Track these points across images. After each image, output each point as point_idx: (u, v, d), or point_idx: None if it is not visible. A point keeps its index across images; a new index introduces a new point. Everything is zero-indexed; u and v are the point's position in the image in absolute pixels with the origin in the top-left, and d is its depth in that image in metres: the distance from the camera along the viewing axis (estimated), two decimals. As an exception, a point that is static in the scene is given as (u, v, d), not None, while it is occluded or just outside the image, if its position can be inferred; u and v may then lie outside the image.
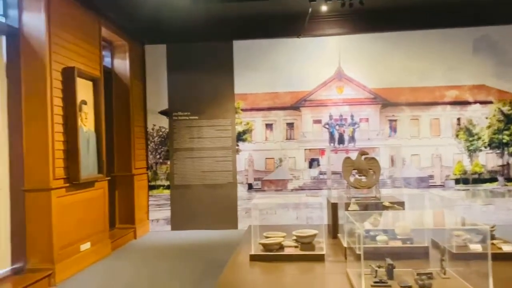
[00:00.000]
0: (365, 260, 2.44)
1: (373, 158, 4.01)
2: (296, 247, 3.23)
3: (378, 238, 3.13)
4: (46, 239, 4.11)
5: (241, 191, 6.65)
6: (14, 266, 4.08)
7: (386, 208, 3.42)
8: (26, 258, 4.10)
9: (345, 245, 3.14)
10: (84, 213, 4.74)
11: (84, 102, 4.76)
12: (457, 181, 6.47)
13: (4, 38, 4.12)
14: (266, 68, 6.65)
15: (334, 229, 3.69)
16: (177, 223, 6.67)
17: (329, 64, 6.60)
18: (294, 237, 3.30)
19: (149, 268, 4.67)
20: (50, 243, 4.11)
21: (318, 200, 3.87)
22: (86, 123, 4.80)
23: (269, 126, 6.74)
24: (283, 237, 3.38)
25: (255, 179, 6.68)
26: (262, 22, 6.31)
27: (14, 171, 4.13)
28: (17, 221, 4.11)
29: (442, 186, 6.47)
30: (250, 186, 6.67)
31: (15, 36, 4.12)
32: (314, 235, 3.24)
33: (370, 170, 3.96)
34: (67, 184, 4.40)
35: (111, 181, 6.04)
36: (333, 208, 3.68)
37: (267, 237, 3.38)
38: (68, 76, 4.44)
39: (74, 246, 4.51)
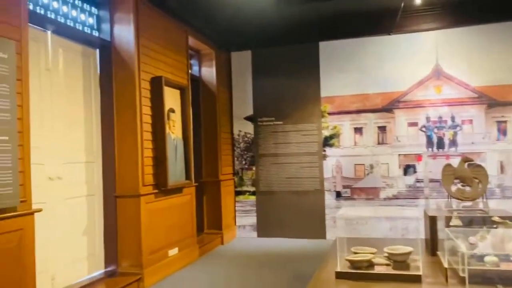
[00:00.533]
0: (471, 284, 2.08)
1: (479, 165, 3.52)
2: (388, 265, 2.90)
3: (486, 259, 2.69)
4: (136, 244, 4.24)
5: (329, 199, 6.36)
6: (107, 269, 4.27)
7: (495, 223, 2.94)
8: (118, 261, 4.26)
9: (445, 265, 2.74)
10: (172, 219, 4.83)
11: (172, 110, 4.86)
12: None
13: (97, 51, 4.35)
14: (354, 68, 6.30)
15: (432, 246, 3.28)
16: (263, 229, 6.58)
17: (425, 62, 6.05)
18: (386, 254, 2.98)
19: (235, 275, 4.61)
20: (139, 248, 4.23)
21: (414, 214, 3.48)
22: (174, 131, 4.90)
23: (358, 130, 6.37)
24: (373, 253, 3.07)
25: (344, 187, 6.35)
26: (349, 21, 5.98)
27: (107, 177, 4.32)
28: (110, 226, 4.29)
29: None
30: (338, 194, 6.36)
31: (107, 49, 4.33)
32: (409, 253, 2.88)
33: (475, 179, 3.48)
34: (156, 191, 4.51)
35: (200, 186, 6.14)
36: (432, 221, 3.27)
37: (355, 253, 3.09)
38: (156, 85, 4.56)
39: (162, 252, 4.60)
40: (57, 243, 3.70)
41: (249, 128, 6.73)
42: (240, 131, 6.78)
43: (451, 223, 2.98)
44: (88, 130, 4.19)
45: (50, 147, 3.66)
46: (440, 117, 6.03)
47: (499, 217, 2.97)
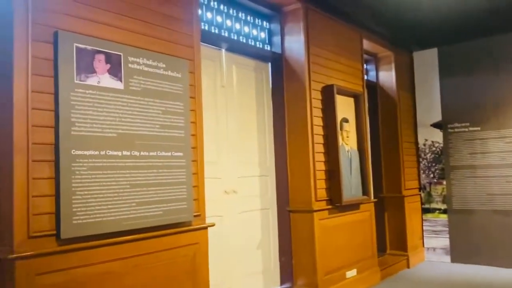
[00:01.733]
0: None
1: None
2: None
3: None
4: (310, 263, 4.02)
5: (548, 221, 5.06)
6: (283, 286, 4.16)
7: None
8: (293, 279, 4.11)
9: None
10: (349, 238, 4.47)
11: (345, 120, 4.54)
12: None
13: (269, 65, 4.34)
14: None
15: None
16: (458, 254, 5.63)
17: None
18: None
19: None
20: (314, 267, 4.00)
21: None
22: (348, 142, 4.56)
23: None
24: None
25: None
26: None
27: (280, 191, 4.24)
28: (284, 241, 4.19)
29: None
30: (562, 216, 5.00)
31: (278, 62, 4.29)
32: None
33: None
34: (330, 206, 4.23)
35: (379, 203, 5.64)
36: None
37: None
38: (328, 94, 4.31)
39: (339, 273, 4.28)
40: (233, 256, 3.75)
41: (437, 136, 5.90)
42: (426, 140, 6.00)
43: None
44: (261, 144, 4.19)
45: (226, 161, 3.75)
46: None
47: None
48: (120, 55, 2.50)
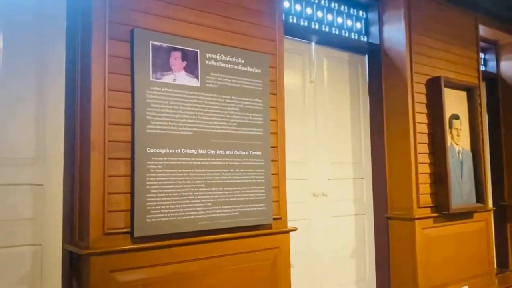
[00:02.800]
0: None
1: None
2: None
3: None
4: (410, 275, 3.60)
5: None
6: (379, 299, 3.80)
7: None
8: (391, 292, 3.73)
9: None
10: (458, 250, 3.91)
11: (455, 117, 4.00)
12: None
13: (366, 58, 4.00)
14: None
15: None
16: None
17: None
18: None
19: None
20: (415, 280, 3.56)
21: None
22: (459, 141, 4.00)
23: None
24: None
25: None
26: None
27: (378, 196, 3.88)
28: (381, 250, 3.82)
29: None
30: None
31: (376, 54, 3.92)
32: None
33: None
34: (435, 214, 3.74)
35: (500, 211, 4.90)
36: None
37: None
38: (434, 88, 3.82)
39: (446, 288, 3.78)
40: (323, 264, 3.51)
41: None
42: (562, 139, 5.04)
43: None
44: (356, 144, 3.88)
45: (315, 162, 3.53)
46: None
47: None
48: (197, 51, 2.45)
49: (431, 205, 3.75)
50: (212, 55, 2.50)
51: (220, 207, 2.45)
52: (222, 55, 2.54)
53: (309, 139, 3.50)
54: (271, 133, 2.77)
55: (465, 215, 3.99)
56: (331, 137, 3.67)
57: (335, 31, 3.77)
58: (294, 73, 3.45)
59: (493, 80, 5.09)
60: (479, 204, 4.06)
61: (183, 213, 2.31)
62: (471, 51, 4.33)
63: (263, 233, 2.64)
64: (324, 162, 3.60)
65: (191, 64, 2.41)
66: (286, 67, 3.35)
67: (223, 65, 2.54)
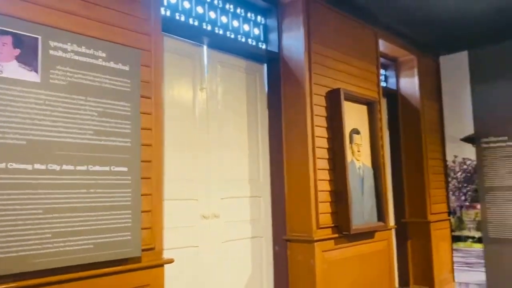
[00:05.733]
0: None
1: None
2: None
3: None
4: (310, 304, 3.28)
5: None
6: (277, 331, 3.42)
7: None
8: (290, 323, 3.37)
9: None
10: (360, 272, 3.69)
11: (355, 131, 3.82)
12: None
13: (265, 67, 3.70)
14: None
15: None
16: (497, 293, 4.73)
17: None
18: None
19: None
20: (314, 309, 3.25)
21: None
22: (360, 157, 3.83)
23: None
24: None
25: None
26: None
27: (277, 216, 3.55)
28: (280, 277, 3.47)
29: None
30: None
31: (275, 62, 3.64)
32: None
33: None
34: (336, 235, 3.49)
35: (402, 229, 4.86)
36: None
37: None
38: (333, 101, 3.61)
39: (347, 315, 3.51)
40: (213, 296, 3.06)
41: (469, 152, 5.06)
42: (455, 156, 5.16)
43: None
44: (253, 159, 3.52)
45: (206, 179, 3.09)
46: None
47: None
48: (37, 38, 1.91)
49: (332, 225, 3.49)
50: (60, 44, 1.97)
51: (65, 238, 1.90)
52: (74, 45, 2.02)
53: (200, 153, 3.06)
54: (143, 145, 2.28)
55: (367, 234, 3.80)
56: (225, 151, 3.27)
57: (230, 35, 3.42)
58: (182, 78, 3.02)
59: (393, 96, 5.10)
60: (381, 223, 3.90)
61: (7, 250, 1.73)
62: (372, 65, 4.24)
63: (127, 269, 2.12)
64: (216, 180, 3.17)
65: (28, 53, 1.87)
66: (173, 71, 2.93)
67: (76, 57, 2.02)
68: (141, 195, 2.22)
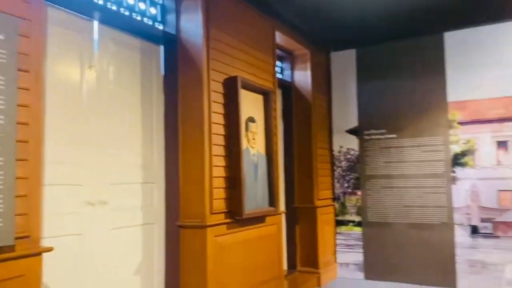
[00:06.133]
0: None
1: None
2: None
3: None
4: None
5: (462, 235, 4.80)
6: (167, 318, 3.39)
7: None
8: (180, 309, 3.35)
9: None
10: (251, 256, 3.81)
11: (251, 120, 3.91)
12: None
13: (161, 48, 3.59)
14: (493, 63, 4.73)
15: None
16: (371, 270, 5.22)
17: None
18: None
19: None
20: (205, 294, 3.27)
21: None
22: (254, 145, 3.93)
23: (502, 144, 4.75)
24: None
25: (483, 220, 4.74)
26: (483, 1, 4.49)
27: (170, 202, 3.49)
28: (172, 264, 3.42)
29: None
30: (474, 230, 4.76)
31: (172, 45, 3.55)
32: None
33: None
34: (229, 220, 3.54)
35: (292, 214, 5.10)
36: None
37: None
38: (231, 88, 3.64)
39: (237, 298, 3.60)
40: (100, 285, 2.90)
41: (353, 143, 5.50)
42: (341, 147, 5.57)
43: None
44: (147, 143, 3.41)
45: (92, 163, 2.91)
46: None
47: None
48: None
49: (225, 210, 3.54)
50: None
51: None
52: None
53: (85, 135, 2.87)
54: (19, 123, 2.07)
55: (259, 219, 3.92)
56: (116, 134, 3.11)
57: (125, 12, 3.25)
58: (69, 53, 2.79)
59: (288, 88, 5.30)
60: (272, 208, 4.06)
61: None
62: (268, 56, 4.36)
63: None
64: (105, 165, 3.01)
65: None
66: (59, 45, 2.70)
67: None
68: (16, 178, 2.01)
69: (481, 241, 4.72)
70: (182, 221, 3.40)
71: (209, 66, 3.46)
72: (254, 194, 3.81)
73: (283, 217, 4.63)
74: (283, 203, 5.01)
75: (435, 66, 5.03)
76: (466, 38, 4.91)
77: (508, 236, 4.60)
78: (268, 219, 4.07)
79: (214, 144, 3.46)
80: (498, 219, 4.68)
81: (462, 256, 4.76)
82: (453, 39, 4.97)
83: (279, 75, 5.15)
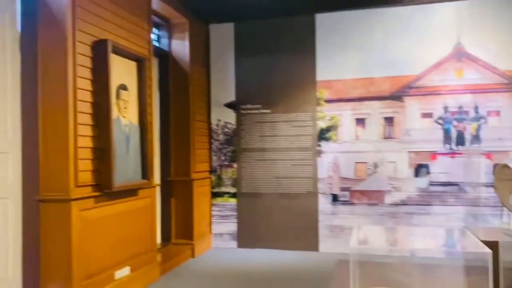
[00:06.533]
0: None
1: (550, 168, 2.44)
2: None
3: None
4: (64, 266, 3.08)
5: (324, 203, 5.26)
6: (24, 300, 3.12)
7: None
8: (40, 289, 3.11)
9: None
10: (122, 231, 3.67)
11: (123, 87, 3.70)
12: None
13: (18, 2, 3.17)
14: (358, 47, 5.19)
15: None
16: (244, 239, 5.45)
17: (444, 40, 4.96)
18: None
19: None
20: (69, 271, 3.07)
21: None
22: (126, 114, 3.74)
23: (360, 121, 5.27)
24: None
25: (342, 189, 5.25)
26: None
27: (29, 174, 3.16)
28: (30, 241, 3.14)
29: None
30: (335, 198, 5.26)
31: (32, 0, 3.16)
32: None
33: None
34: (97, 193, 3.35)
35: (167, 187, 5.03)
36: (494, 251, 2.14)
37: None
38: (100, 52, 3.39)
39: (106, 274, 3.45)
40: None
41: (230, 117, 5.59)
42: (219, 120, 5.63)
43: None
44: (1, 109, 3.02)
45: None
46: (461, 107, 4.95)
47: None
48: None
49: (93, 183, 3.34)
50: None
51: None
52: None
53: None
54: None
55: (130, 192, 3.78)
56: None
57: (-31, -46, 2.78)
58: None
59: (165, 57, 5.14)
60: (144, 181, 3.94)
61: None
62: (143, 22, 4.14)
63: None
64: None
65: None
66: None
67: None
68: None
69: (340, 208, 5.23)
70: (42, 195, 3.11)
71: (74, 26, 3.17)
72: (125, 166, 3.66)
73: (157, 190, 4.54)
74: (158, 176, 4.91)
75: (306, 46, 5.33)
76: (334, 21, 5.27)
77: (362, 203, 5.17)
78: (141, 192, 3.96)
79: (80, 112, 3.21)
80: (354, 188, 5.22)
81: (323, 222, 5.23)
82: (323, 21, 5.30)
83: (155, 43, 4.96)
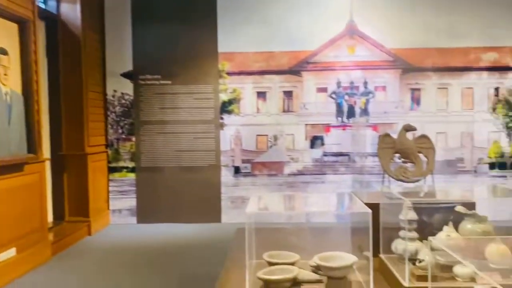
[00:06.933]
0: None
1: (424, 136, 2.73)
2: (319, 282, 1.94)
3: (457, 270, 1.88)
4: None
5: (226, 175, 5.33)
6: None
7: (460, 215, 2.13)
8: None
9: (406, 283, 1.87)
10: (5, 209, 3.35)
11: (2, 51, 3.32)
12: (492, 166, 5.26)
13: None
14: (259, 20, 5.23)
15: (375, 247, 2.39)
16: (144, 214, 5.32)
17: (338, 17, 5.22)
18: (315, 264, 2.01)
19: (101, 277, 3.39)
20: None
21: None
22: (7, 82, 3.37)
23: (261, 94, 5.38)
24: (296, 262, 2.10)
25: (244, 161, 5.36)
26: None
27: None
28: None
29: (473, 171, 5.26)
30: (237, 170, 5.35)
31: None
32: (351, 266, 1.95)
33: (420, 154, 2.69)
34: (-28, 169, 3.01)
35: (58, 162, 4.68)
36: (374, 212, 2.34)
37: (270, 263, 2.09)
38: (-29, 9, 2.99)
39: (-13, 257, 3.15)
40: None
41: (127, 87, 5.33)
42: (115, 91, 5.34)
43: (402, 216, 2.09)
44: None
45: None
46: (352, 83, 5.30)
47: (462, 205, 2.15)
48: None
49: (-33, 158, 2.98)
50: None
51: None
52: None
53: None
54: None
55: (14, 167, 3.45)
56: None
57: None
58: None
59: (53, 21, 4.69)
60: (31, 155, 3.62)
61: None
62: (26, -22, 3.71)
63: None
64: None
65: None
66: None
67: None
68: None
69: (242, 179, 5.35)
70: None
71: None
72: (7, 139, 3.32)
73: (47, 165, 4.21)
74: (48, 150, 4.54)
75: (208, 17, 5.24)
76: (236, -7, 5.24)
77: (263, 174, 5.34)
78: (27, 167, 3.63)
79: None
80: (256, 160, 5.36)
81: (225, 193, 5.31)
82: (225, -8, 5.24)
83: (41, 5, 4.49)
